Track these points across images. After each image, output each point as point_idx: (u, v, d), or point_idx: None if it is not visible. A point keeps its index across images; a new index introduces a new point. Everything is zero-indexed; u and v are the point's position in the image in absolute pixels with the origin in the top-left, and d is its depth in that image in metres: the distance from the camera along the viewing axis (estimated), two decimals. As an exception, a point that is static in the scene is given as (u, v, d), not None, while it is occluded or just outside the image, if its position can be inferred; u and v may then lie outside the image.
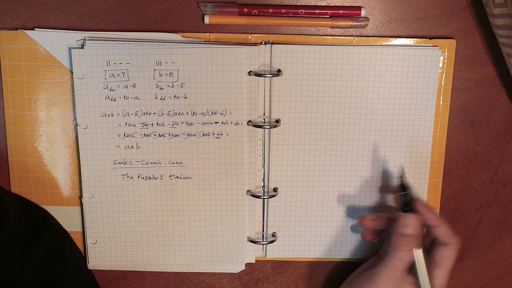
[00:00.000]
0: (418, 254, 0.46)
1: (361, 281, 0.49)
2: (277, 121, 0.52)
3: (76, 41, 0.50)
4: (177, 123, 0.52)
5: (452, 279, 0.58)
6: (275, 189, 0.53)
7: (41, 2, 0.50)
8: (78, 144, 0.52)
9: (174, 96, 0.51)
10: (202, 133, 0.52)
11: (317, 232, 0.55)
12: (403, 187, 0.49)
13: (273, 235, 0.54)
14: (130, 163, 0.52)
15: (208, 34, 0.51)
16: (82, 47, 0.50)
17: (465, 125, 0.54)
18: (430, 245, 0.48)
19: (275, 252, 0.55)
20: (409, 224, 0.46)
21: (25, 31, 0.50)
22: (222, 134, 0.52)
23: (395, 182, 0.53)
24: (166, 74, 0.50)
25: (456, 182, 0.55)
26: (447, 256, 0.47)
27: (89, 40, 0.50)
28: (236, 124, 0.52)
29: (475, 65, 0.53)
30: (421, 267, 0.46)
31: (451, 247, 0.47)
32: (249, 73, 0.50)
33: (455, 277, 0.58)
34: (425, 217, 0.47)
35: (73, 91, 0.51)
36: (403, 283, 0.46)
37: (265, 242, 0.54)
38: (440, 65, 0.52)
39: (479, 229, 0.57)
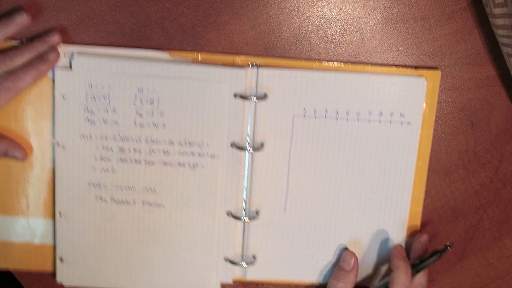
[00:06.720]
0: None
1: None
2: (261, 144, 0.51)
3: (64, 53, 0.50)
4: (153, 151, 0.51)
5: (452, 279, 0.58)
6: (256, 212, 0.53)
7: (41, 2, 0.50)
8: (54, 163, 0.52)
9: (153, 124, 0.51)
10: (178, 162, 0.52)
11: (298, 255, 0.54)
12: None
13: (254, 257, 0.54)
14: (105, 186, 0.52)
15: (195, 53, 0.51)
16: (70, 65, 0.49)
17: (465, 125, 0.54)
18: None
19: (254, 274, 0.55)
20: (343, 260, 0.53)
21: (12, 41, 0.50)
22: (197, 166, 0.52)
23: (381, 203, 0.53)
24: (147, 101, 0.50)
25: (456, 182, 0.55)
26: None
27: (78, 54, 0.49)
28: (212, 157, 0.51)
29: (475, 65, 0.53)
30: None
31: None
32: (235, 95, 0.50)
33: (455, 277, 0.58)
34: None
35: (54, 109, 0.51)
36: None
37: (245, 264, 0.54)
38: (424, 96, 0.51)
39: (479, 229, 0.57)
